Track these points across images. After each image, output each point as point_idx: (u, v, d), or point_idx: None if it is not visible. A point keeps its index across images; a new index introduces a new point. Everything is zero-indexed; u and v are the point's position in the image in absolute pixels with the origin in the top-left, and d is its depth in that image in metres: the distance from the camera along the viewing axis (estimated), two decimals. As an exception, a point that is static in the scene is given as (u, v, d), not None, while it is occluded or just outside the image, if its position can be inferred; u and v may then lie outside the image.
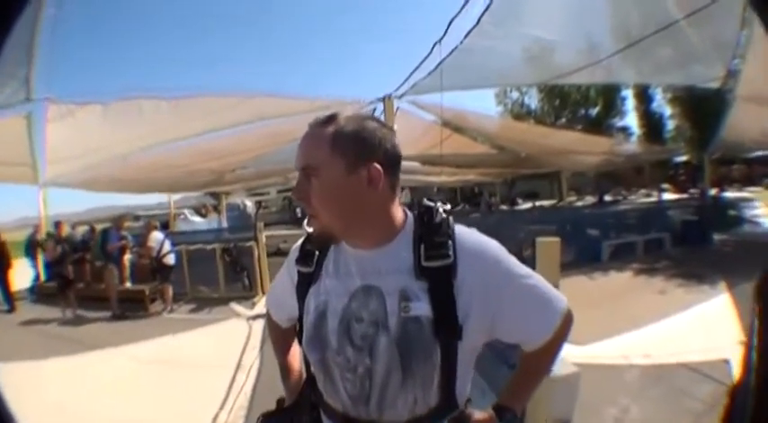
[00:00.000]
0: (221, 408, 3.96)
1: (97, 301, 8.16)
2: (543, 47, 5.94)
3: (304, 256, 1.09)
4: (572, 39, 5.74)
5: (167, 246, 7.80)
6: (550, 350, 1.05)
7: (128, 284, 8.21)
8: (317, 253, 1.08)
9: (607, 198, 23.00)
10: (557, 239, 1.71)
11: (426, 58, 6.42)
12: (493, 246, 0.99)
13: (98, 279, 8.36)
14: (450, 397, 0.97)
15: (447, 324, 0.91)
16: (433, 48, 6.08)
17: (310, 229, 1.04)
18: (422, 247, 0.95)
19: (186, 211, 24.19)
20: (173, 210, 15.78)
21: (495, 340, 1.03)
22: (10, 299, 9.09)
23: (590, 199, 23.85)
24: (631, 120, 24.30)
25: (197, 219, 22.16)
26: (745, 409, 0.80)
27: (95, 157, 8.48)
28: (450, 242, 0.94)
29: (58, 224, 9.21)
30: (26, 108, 7.11)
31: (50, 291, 9.54)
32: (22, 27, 4.66)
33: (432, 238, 0.95)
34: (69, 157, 8.64)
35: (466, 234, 0.98)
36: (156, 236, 7.72)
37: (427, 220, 0.99)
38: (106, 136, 7.98)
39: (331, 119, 0.96)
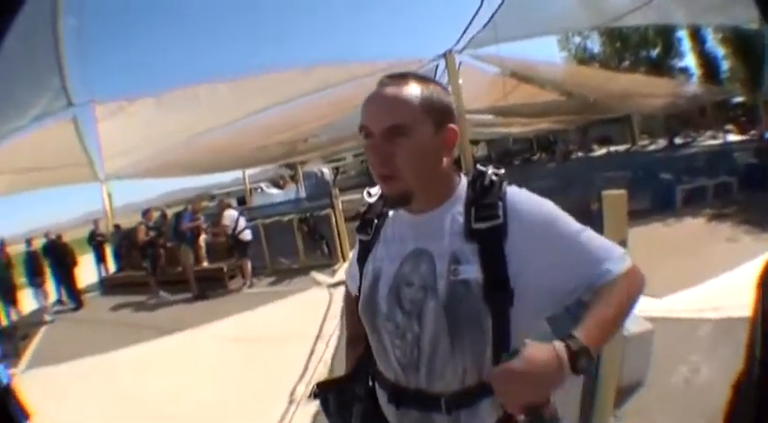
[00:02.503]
0: (300, 379, 4.16)
1: (176, 284, 8.89)
2: None
3: (363, 225, 1.17)
4: None
5: (242, 222, 8.38)
6: (621, 291, 0.97)
7: (205, 264, 8.93)
8: (375, 220, 1.14)
9: (678, 140, 22.71)
10: (623, 192, 1.71)
11: (478, 10, 6.68)
12: (544, 205, 1.01)
13: (174, 263, 9.14)
14: None
15: (497, 287, 0.92)
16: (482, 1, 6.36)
17: (370, 199, 1.17)
18: (472, 209, 0.99)
19: (263, 185, 25.15)
20: (248, 185, 16.53)
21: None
22: (76, 296, 9.99)
23: (662, 142, 23.69)
24: (690, 61, 23.97)
25: (274, 191, 23.25)
26: (749, 402, 0.81)
27: (154, 147, 9.22)
28: (499, 203, 0.97)
29: (148, 211, 9.86)
30: (69, 113, 7.73)
31: (120, 281, 10.72)
32: (43, 41, 5.16)
33: (482, 200, 0.99)
34: (127, 151, 9.43)
35: (516, 195, 1.00)
36: (230, 213, 8.34)
37: (480, 183, 1.02)
38: (163, 125, 8.69)
39: (407, 78, 1.00)
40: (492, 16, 6.50)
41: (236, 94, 7.87)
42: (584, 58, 25.53)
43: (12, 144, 7.39)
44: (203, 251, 9.03)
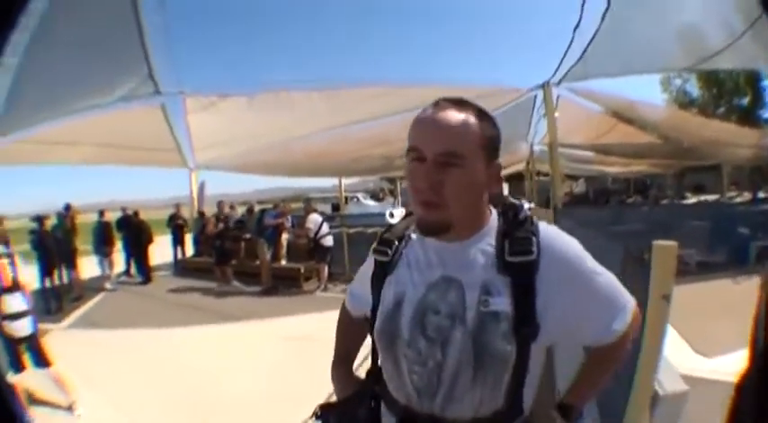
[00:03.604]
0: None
1: (250, 276, 9.47)
2: (689, 29, 6.10)
3: (382, 245, 1.16)
4: (710, 20, 5.84)
5: (325, 227, 8.83)
6: (618, 349, 1.09)
7: (283, 262, 9.49)
8: (395, 242, 1.13)
9: (761, 194, 21.86)
10: (673, 244, 1.69)
11: (571, 43, 6.78)
12: (574, 244, 1.04)
13: (253, 256, 9.73)
14: (517, 401, 1.01)
15: (525, 322, 0.95)
16: (574, 33, 6.47)
17: (392, 220, 1.20)
18: (506, 242, 1.00)
19: (359, 195, 26.39)
20: (343, 193, 17.22)
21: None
22: (146, 272, 10.81)
23: (747, 195, 22.91)
24: None
25: (370, 202, 24.40)
26: (752, 404, 0.82)
27: (247, 144, 9.79)
28: (534, 238, 0.99)
29: (219, 204, 10.80)
30: (158, 100, 8.12)
31: (196, 265, 11.38)
32: (128, 33, 5.41)
33: (516, 233, 1.01)
34: (218, 144, 10.04)
35: (549, 232, 1.03)
36: (315, 217, 8.80)
37: (512, 216, 1.05)
38: (255, 125, 9.19)
39: (467, 106, 1.00)
40: (585, 50, 6.60)
41: (331, 103, 8.23)
42: (683, 101, 25.97)
43: (95, 119, 7.73)
44: (284, 250, 9.60)
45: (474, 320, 0.96)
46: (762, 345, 0.81)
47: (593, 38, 6.28)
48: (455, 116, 0.96)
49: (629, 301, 1.07)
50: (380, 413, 1.15)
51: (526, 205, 1.09)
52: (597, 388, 1.19)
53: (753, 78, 22.82)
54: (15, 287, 3.92)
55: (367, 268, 1.22)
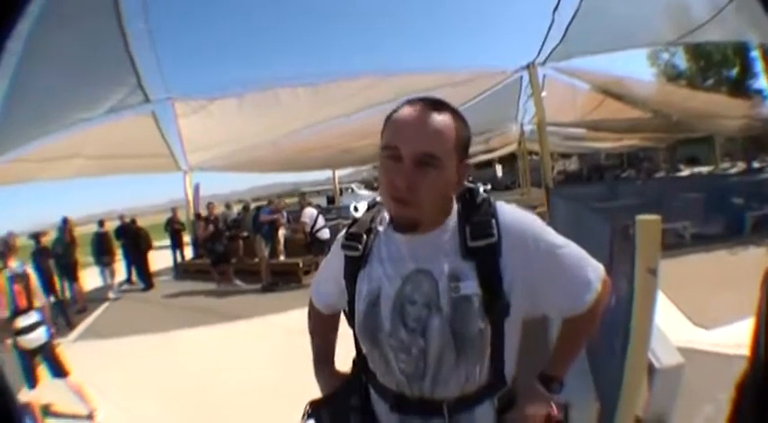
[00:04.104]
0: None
1: (250, 274, 9.51)
2: (672, 3, 6.13)
3: (351, 241, 1.17)
4: None
5: (321, 220, 8.88)
6: (590, 318, 1.12)
7: (282, 258, 9.53)
8: (364, 237, 1.15)
9: (756, 164, 21.98)
10: (657, 218, 1.70)
11: (552, 23, 6.81)
12: (533, 220, 1.07)
13: (251, 254, 9.77)
14: (499, 374, 1.08)
15: (495, 301, 1.00)
16: (554, 15, 6.50)
17: (357, 214, 1.21)
18: (467, 228, 1.04)
19: (354, 186, 26.45)
20: (337, 185, 17.12)
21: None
22: (147, 278, 10.83)
23: (741, 165, 23.04)
24: (763, 82, 23.65)
25: (365, 192, 24.19)
26: (753, 402, 0.83)
27: (239, 144, 9.84)
28: (493, 220, 1.03)
29: (209, 205, 10.72)
30: (148, 108, 8.22)
31: (196, 267, 11.37)
32: (112, 42, 5.44)
33: (475, 218, 1.05)
34: (210, 145, 10.13)
35: (507, 211, 1.07)
36: (310, 211, 8.84)
37: (469, 201, 1.09)
38: (245, 124, 9.29)
39: (443, 107, 1.02)
40: (566, 30, 6.66)
41: (317, 98, 8.30)
42: (672, 75, 25.99)
43: (87, 131, 7.85)
44: (281, 245, 9.61)
45: (448, 307, 1.01)
46: (763, 344, 0.81)
47: (572, 18, 6.35)
48: (433, 118, 0.98)
49: (597, 270, 1.10)
50: (371, 400, 1.20)
51: (481, 188, 1.11)
52: (574, 356, 1.24)
53: (741, 49, 22.93)
54: (30, 307, 3.92)
55: (333, 264, 1.23)
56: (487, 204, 1.07)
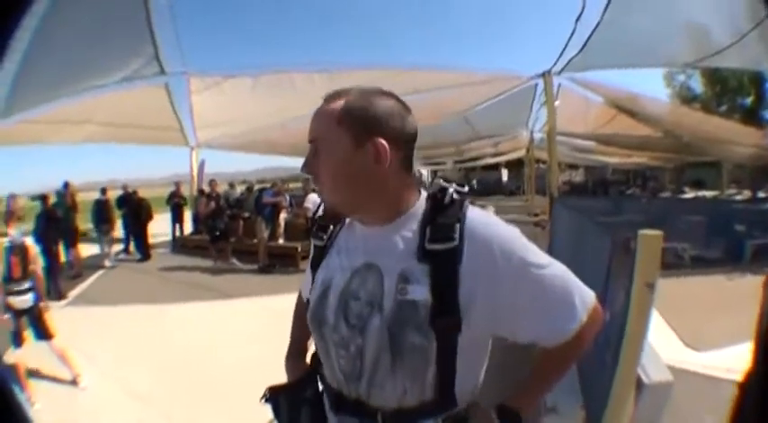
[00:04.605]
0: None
1: (247, 254, 9.52)
2: (693, 26, 6.09)
3: (317, 231, 1.16)
4: (715, 17, 5.82)
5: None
6: (570, 351, 1.02)
7: (281, 241, 9.53)
8: (331, 227, 1.14)
9: (761, 194, 21.98)
10: (659, 233, 1.64)
11: (572, 33, 6.77)
12: (507, 232, 0.97)
13: (250, 234, 9.82)
14: (448, 394, 0.97)
15: (445, 312, 0.91)
16: (576, 24, 6.44)
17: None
18: (428, 228, 0.96)
19: None
20: None
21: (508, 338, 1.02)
22: (145, 249, 10.89)
23: (747, 193, 23.06)
24: None
25: None
26: (756, 403, 0.81)
27: (248, 124, 9.84)
28: (457, 225, 0.94)
29: (212, 182, 10.74)
30: (162, 80, 8.34)
31: (194, 243, 11.42)
32: (135, 13, 5.54)
33: (439, 219, 0.97)
34: (220, 123, 10.13)
35: (478, 218, 0.97)
36: (313, 197, 8.76)
37: (438, 201, 1.00)
38: (257, 105, 9.30)
39: (342, 93, 0.99)
40: (586, 41, 6.65)
41: (332, 84, 8.20)
42: (686, 97, 26.17)
43: (99, 98, 7.91)
44: (281, 229, 9.61)
45: (391, 308, 0.93)
46: (766, 343, 0.80)
47: (594, 29, 6.33)
48: (323, 105, 1.00)
49: (585, 297, 0.99)
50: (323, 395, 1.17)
51: (452, 188, 1.01)
52: (548, 390, 1.13)
53: (757, 78, 22.94)
54: (24, 278, 3.89)
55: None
56: (458, 207, 0.98)
